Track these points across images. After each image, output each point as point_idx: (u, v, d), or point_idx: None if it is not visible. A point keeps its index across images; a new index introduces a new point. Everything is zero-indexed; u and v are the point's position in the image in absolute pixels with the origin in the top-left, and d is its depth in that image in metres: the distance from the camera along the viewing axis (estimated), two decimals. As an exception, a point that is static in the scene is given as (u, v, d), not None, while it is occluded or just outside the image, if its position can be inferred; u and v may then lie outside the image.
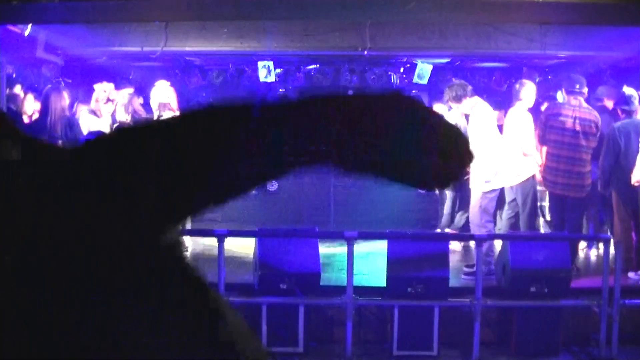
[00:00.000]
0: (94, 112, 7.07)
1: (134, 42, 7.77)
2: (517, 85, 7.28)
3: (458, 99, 6.87)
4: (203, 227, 9.06)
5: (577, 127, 6.64)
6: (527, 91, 7.06)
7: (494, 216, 7.69)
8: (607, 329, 5.66)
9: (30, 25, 6.72)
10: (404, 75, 10.20)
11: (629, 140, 6.78)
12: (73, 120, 6.82)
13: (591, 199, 7.84)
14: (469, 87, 6.96)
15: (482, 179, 6.73)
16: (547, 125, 6.73)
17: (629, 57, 7.82)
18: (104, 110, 7.26)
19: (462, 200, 8.07)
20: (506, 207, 7.48)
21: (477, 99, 6.97)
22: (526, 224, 7.12)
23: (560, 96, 7.32)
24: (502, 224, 7.65)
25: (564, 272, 5.87)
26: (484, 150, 6.80)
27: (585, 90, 6.83)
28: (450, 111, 7.80)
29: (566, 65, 8.82)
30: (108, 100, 7.54)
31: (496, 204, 8.02)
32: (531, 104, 7.13)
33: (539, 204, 7.88)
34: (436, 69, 9.72)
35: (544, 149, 6.87)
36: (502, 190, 7.58)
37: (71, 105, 7.43)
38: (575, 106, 6.69)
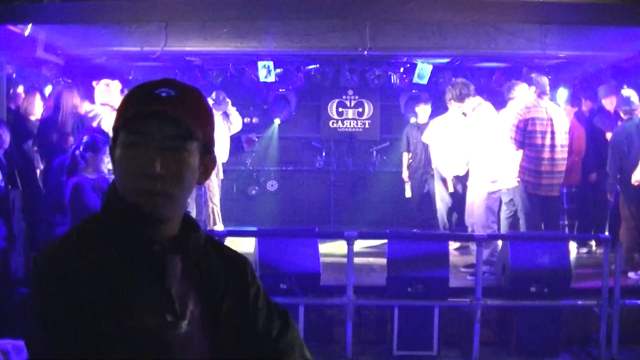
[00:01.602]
0: (109, 107, 6.97)
1: (134, 42, 7.77)
2: (507, 85, 7.30)
3: (461, 98, 6.87)
4: (203, 228, 9.06)
5: (552, 128, 6.67)
6: (517, 92, 7.06)
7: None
8: (607, 329, 5.66)
9: (30, 25, 6.71)
10: (404, 75, 10.19)
11: (631, 141, 6.78)
12: (84, 118, 6.80)
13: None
14: (472, 86, 6.95)
15: (488, 178, 6.75)
16: (526, 130, 6.63)
17: (629, 57, 7.82)
18: (114, 102, 7.20)
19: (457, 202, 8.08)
20: (504, 207, 7.48)
21: (479, 98, 6.97)
22: (527, 223, 7.13)
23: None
24: (501, 224, 7.65)
25: (564, 272, 5.87)
26: (487, 150, 6.79)
27: (548, 89, 6.87)
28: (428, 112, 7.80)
29: (566, 65, 8.83)
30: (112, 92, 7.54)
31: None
32: (523, 104, 7.12)
33: None
34: (436, 69, 9.72)
35: (521, 152, 6.80)
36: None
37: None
38: (547, 107, 6.72)
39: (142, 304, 1.25)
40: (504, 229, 7.39)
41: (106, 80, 7.21)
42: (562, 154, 6.69)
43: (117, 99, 7.04)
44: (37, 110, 7.05)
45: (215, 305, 1.37)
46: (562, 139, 6.68)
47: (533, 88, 6.87)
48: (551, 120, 6.64)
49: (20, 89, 7.37)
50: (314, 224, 7.35)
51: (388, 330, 5.99)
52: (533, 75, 7.09)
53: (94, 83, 7.24)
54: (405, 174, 9.28)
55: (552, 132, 6.65)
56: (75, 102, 6.69)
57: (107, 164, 4.89)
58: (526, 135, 6.65)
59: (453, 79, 9.52)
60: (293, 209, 10.62)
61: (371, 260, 7.30)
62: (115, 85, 7.20)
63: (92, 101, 7.36)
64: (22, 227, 6.35)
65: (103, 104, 6.87)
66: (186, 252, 1.35)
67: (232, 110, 8.64)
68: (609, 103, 7.82)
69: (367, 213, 10.52)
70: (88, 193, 4.77)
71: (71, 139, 6.46)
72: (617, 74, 8.52)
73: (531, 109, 6.76)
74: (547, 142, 6.65)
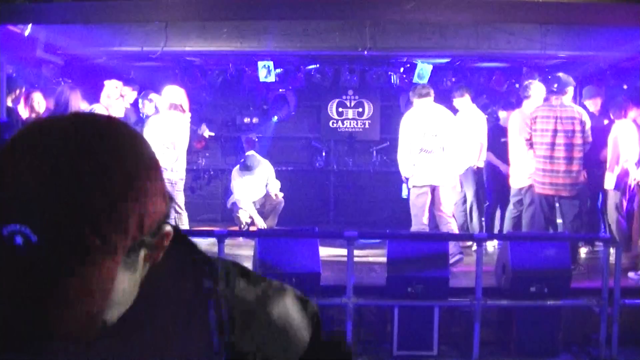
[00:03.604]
0: (106, 109, 7.11)
1: (134, 42, 7.78)
2: (527, 83, 7.36)
3: (410, 99, 7.44)
4: (203, 228, 9.09)
5: (559, 127, 6.71)
6: (533, 90, 7.15)
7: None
8: (607, 329, 5.66)
9: (30, 25, 6.72)
10: (404, 75, 10.19)
11: None
12: None
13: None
14: (417, 90, 7.30)
15: (406, 174, 7.22)
16: (532, 129, 6.86)
17: (629, 57, 7.82)
18: (115, 106, 7.29)
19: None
20: (510, 206, 7.51)
21: (422, 100, 7.22)
22: (530, 223, 7.15)
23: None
24: (505, 224, 7.67)
25: (564, 272, 5.87)
26: (404, 150, 7.24)
27: (569, 89, 6.86)
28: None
29: (566, 65, 8.83)
30: (120, 96, 7.60)
31: (500, 203, 8.09)
32: (539, 104, 7.21)
33: None
34: (436, 69, 9.72)
35: (532, 152, 6.95)
36: (506, 188, 7.65)
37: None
38: (556, 106, 6.76)
39: None
40: (507, 229, 7.43)
41: (116, 82, 7.30)
42: (570, 152, 6.69)
43: (116, 102, 7.18)
44: (40, 109, 7.06)
45: None
46: (569, 138, 6.67)
47: (541, 87, 7.00)
48: (557, 118, 6.68)
49: (23, 90, 7.38)
50: (314, 224, 7.35)
51: (388, 330, 5.99)
52: (559, 74, 7.11)
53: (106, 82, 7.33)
54: None
55: (556, 131, 6.68)
56: (80, 103, 6.73)
57: None
58: (533, 134, 6.79)
59: (449, 80, 9.57)
60: (293, 209, 10.62)
61: (371, 260, 7.30)
62: (117, 88, 7.28)
63: (92, 100, 7.43)
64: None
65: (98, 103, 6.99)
66: None
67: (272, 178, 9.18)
68: (592, 104, 7.83)
69: (367, 213, 10.52)
70: None
71: None
72: (617, 74, 8.52)
73: (539, 108, 6.86)
74: (551, 140, 6.70)
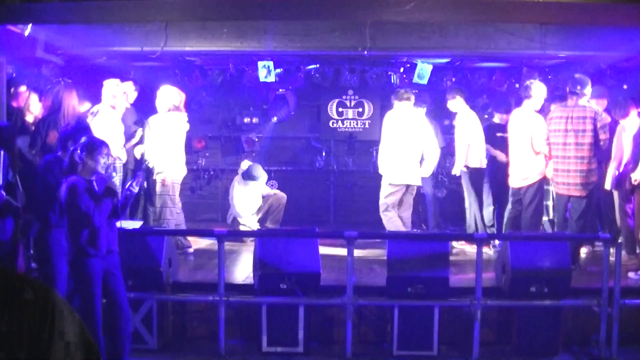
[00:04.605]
0: (112, 108, 7.14)
1: (134, 42, 7.76)
2: (528, 83, 7.40)
3: (392, 101, 7.91)
4: (203, 227, 9.09)
5: (569, 126, 6.77)
6: (534, 90, 7.17)
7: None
8: (607, 329, 5.66)
9: (30, 25, 6.71)
10: (404, 75, 10.18)
11: None
12: (84, 117, 6.84)
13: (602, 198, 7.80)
14: (399, 94, 7.83)
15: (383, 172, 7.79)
16: (548, 129, 6.96)
17: (629, 57, 7.82)
18: (120, 104, 7.30)
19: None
20: (509, 206, 7.52)
21: (402, 103, 7.74)
22: (530, 223, 7.16)
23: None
24: (504, 224, 7.68)
25: (564, 272, 5.87)
26: (384, 149, 7.77)
27: (587, 90, 6.86)
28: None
29: (566, 65, 8.82)
30: (123, 92, 7.62)
31: (495, 202, 8.13)
32: (539, 104, 7.23)
33: (545, 203, 7.95)
34: (436, 69, 9.72)
35: (548, 152, 7.05)
36: (503, 187, 7.67)
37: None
38: (570, 106, 6.81)
39: None
40: (507, 229, 7.43)
41: (115, 80, 7.30)
42: (580, 152, 6.71)
43: (120, 100, 7.20)
44: (34, 109, 7.05)
45: None
46: (579, 137, 6.69)
47: (543, 87, 7.07)
48: (569, 118, 6.75)
49: (23, 88, 7.37)
50: (314, 224, 7.35)
51: (388, 330, 5.99)
52: (577, 75, 7.13)
53: (105, 82, 7.33)
54: None
55: (567, 131, 6.75)
56: (75, 103, 6.72)
57: (102, 165, 4.83)
58: (549, 134, 6.95)
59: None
60: (293, 209, 10.62)
61: (371, 260, 7.31)
62: (118, 86, 7.28)
63: (92, 100, 7.42)
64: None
65: (103, 104, 6.97)
66: None
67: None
68: (595, 104, 7.81)
69: (367, 213, 10.50)
70: (81, 195, 4.70)
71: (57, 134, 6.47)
72: (617, 74, 8.52)
73: (556, 108, 6.96)
74: (562, 140, 6.78)
